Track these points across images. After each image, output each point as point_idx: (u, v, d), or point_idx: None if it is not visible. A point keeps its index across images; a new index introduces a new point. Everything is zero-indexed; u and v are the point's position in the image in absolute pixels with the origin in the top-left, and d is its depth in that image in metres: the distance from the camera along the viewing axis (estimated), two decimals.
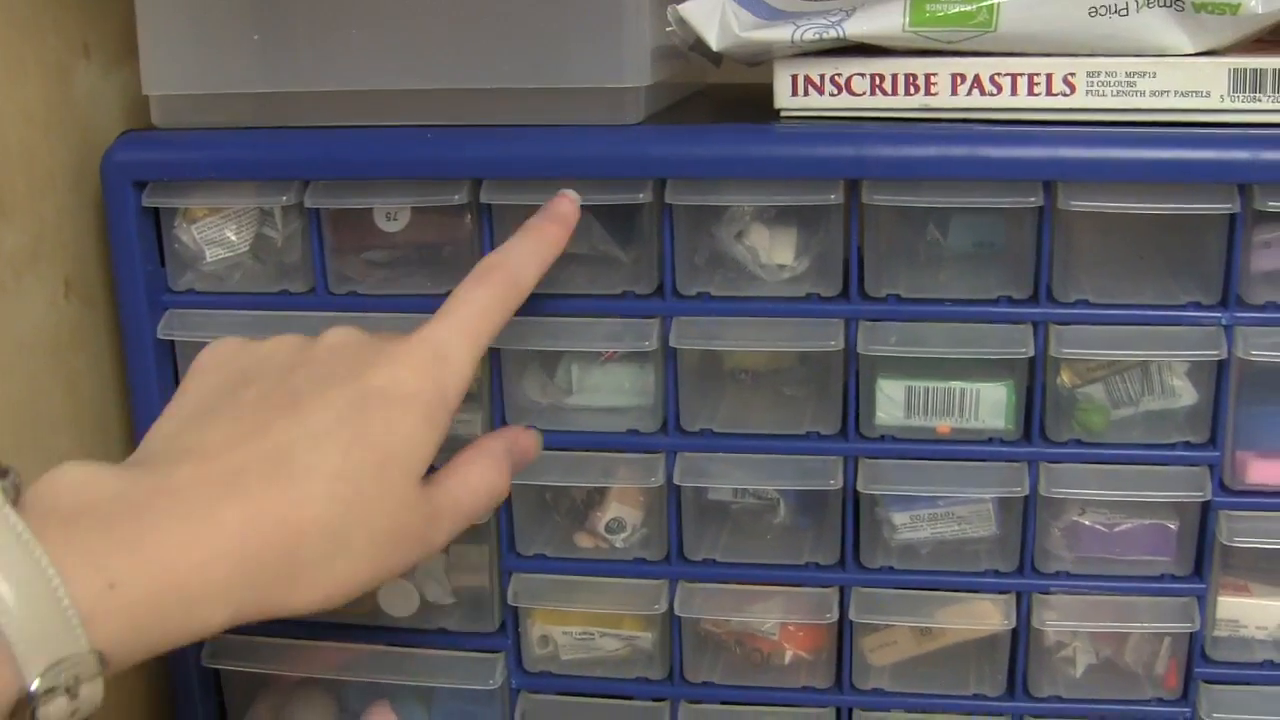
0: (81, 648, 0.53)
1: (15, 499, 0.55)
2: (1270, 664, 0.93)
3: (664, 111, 0.94)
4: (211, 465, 0.61)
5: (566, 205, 0.82)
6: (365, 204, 0.89)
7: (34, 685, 0.51)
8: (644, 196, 0.86)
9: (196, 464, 0.61)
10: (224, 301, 0.93)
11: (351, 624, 0.97)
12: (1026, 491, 0.89)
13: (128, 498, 0.58)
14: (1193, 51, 0.86)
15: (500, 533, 0.94)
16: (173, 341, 0.94)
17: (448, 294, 0.81)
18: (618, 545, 0.94)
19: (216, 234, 0.91)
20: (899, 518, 0.91)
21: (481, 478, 0.73)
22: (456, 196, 0.87)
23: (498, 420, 0.92)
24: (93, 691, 0.53)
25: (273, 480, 0.61)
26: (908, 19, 0.86)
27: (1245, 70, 0.85)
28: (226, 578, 0.58)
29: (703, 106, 1.01)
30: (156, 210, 0.92)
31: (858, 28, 0.86)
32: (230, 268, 0.92)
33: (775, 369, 0.95)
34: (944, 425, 0.90)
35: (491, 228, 0.88)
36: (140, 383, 0.94)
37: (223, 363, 0.71)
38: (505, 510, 0.93)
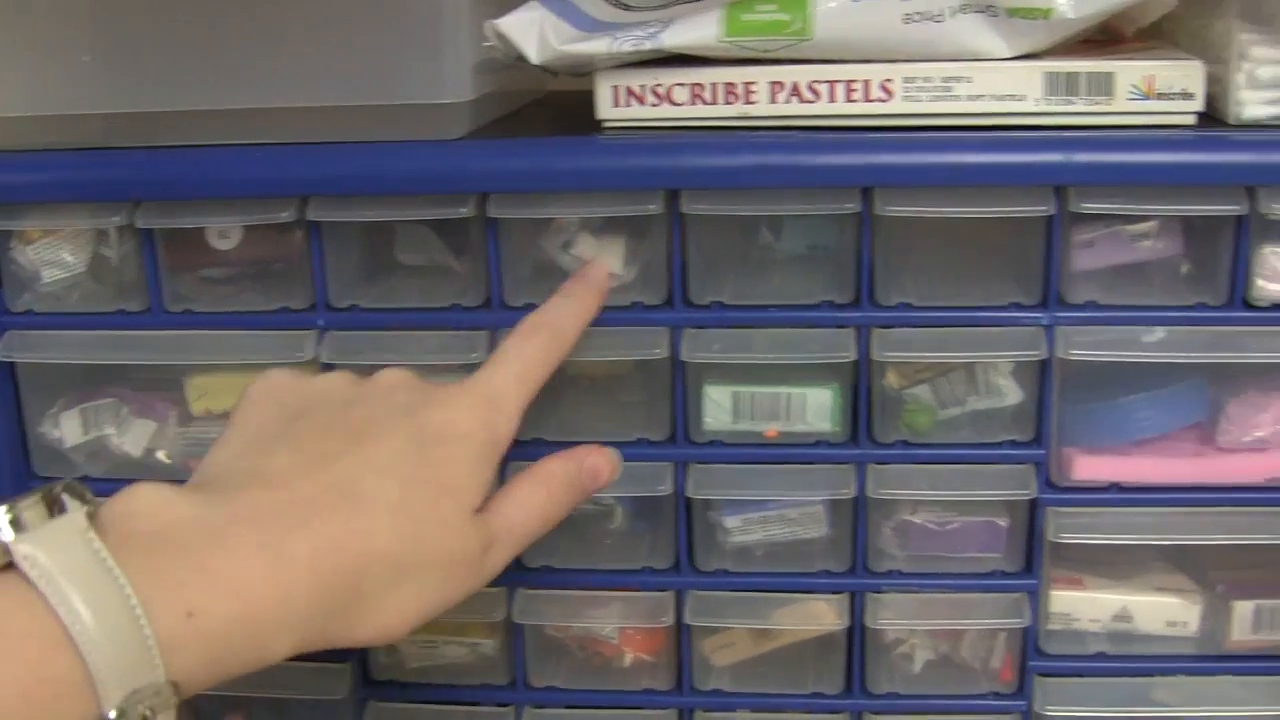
0: (159, 678, 0.54)
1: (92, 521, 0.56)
2: (1103, 656, 0.96)
3: (496, 122, 0.96)
4: (280, 493, 0.63)
5: (598, 272, 0.88)
6: (196, 223, 0.91)
7: (112, 715, 0.53)
8: (467, 211, 0.88)
9: (266, 491, 0.63)
10: (62, 322, 0.94)
11: None
12: (855, 493, 0.92)
13: (203, 523, 0.60)
14: (1009, 55, 0.88)
15: None
16: (12, 363, 0.94)
17: (282, 310, 0.85)
18: None
19: (53, 255, 0.93)
20: (731, 521, 0.94)
21: (530, 498, 0.76)
22: (284, 214, 0.89)
23: None
24: None
25: (340, 511, 0.64)
26: (723, 29, 0.88)
27: (1059, 73, 0.88)
28: (298, 608, 0.60)
29: (537, 117, 1.03)
30: None
31: (674, 39, 0.87)
32: (68, 288, 0.94)
33: (614, 375, 0.97)
34: (771, 429, 0.92)
35: (321, 244, 0.90)
36: None
37: (276, 395, 0.73)
38: None
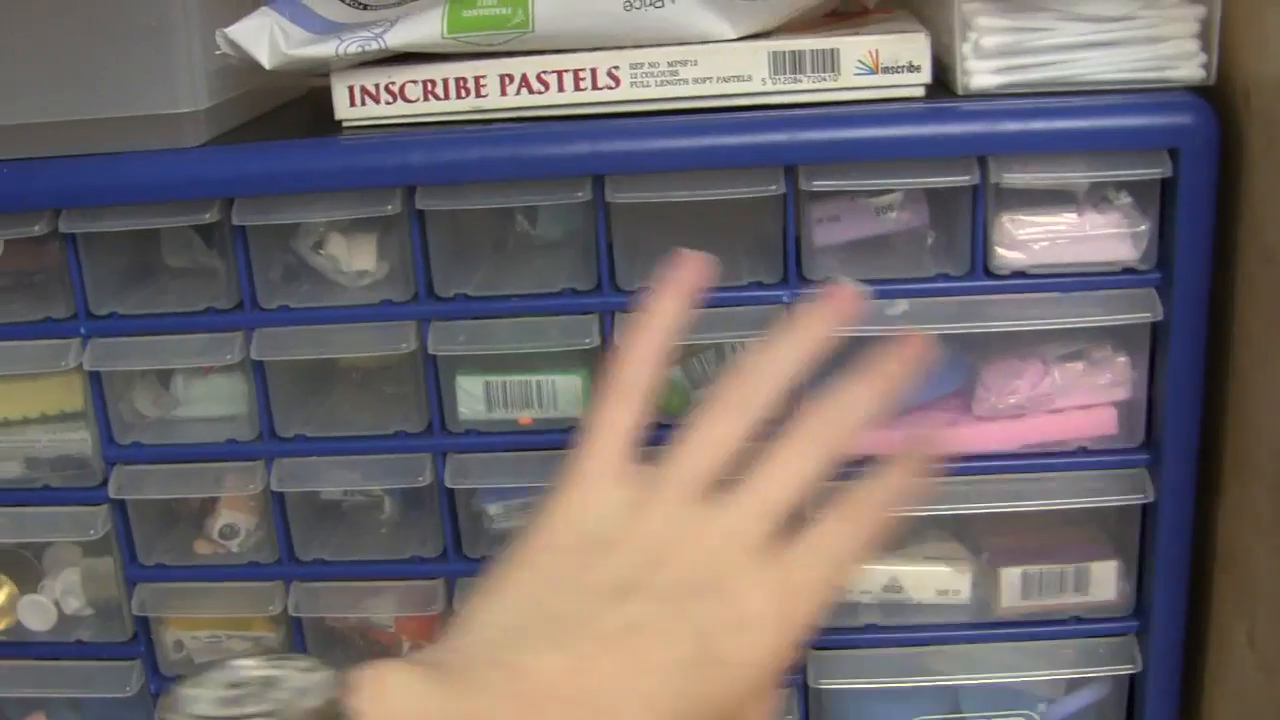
0: None
1: None
2: (874, 627, 1.00)
3: (247, 125, 1.01)
4: (532, 706, 0.58)
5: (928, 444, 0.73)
6: None
7: None
8: (210, 216, 0.93)
9: (517, 701, 0.58)
10: None
11: None
12: None
13: None
14: (735, 37, 0.92)
15: (121, 544, 1.02)
16: None
17: (46, 320, 0.93)
18: (234, 550, 1.02)
19: None
20: (493, 508, 0.99)
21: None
22: (36, 227, 0.95)
23: (105, 440, 0.99)
24: None
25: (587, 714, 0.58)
26: (445, 26, 0.92)
27: (784, 53, 0.92)
28: None
29: (292, 117, 1.08)
30: None
31: (398, 38, 0.92)
32: None
33: (381, 367, 1.02)
34: (525, 416, 0.97)
35: (78, 254, 0.96)
36: None
37: (581, 538, 0.65)
38: (123, 522, 1.01)
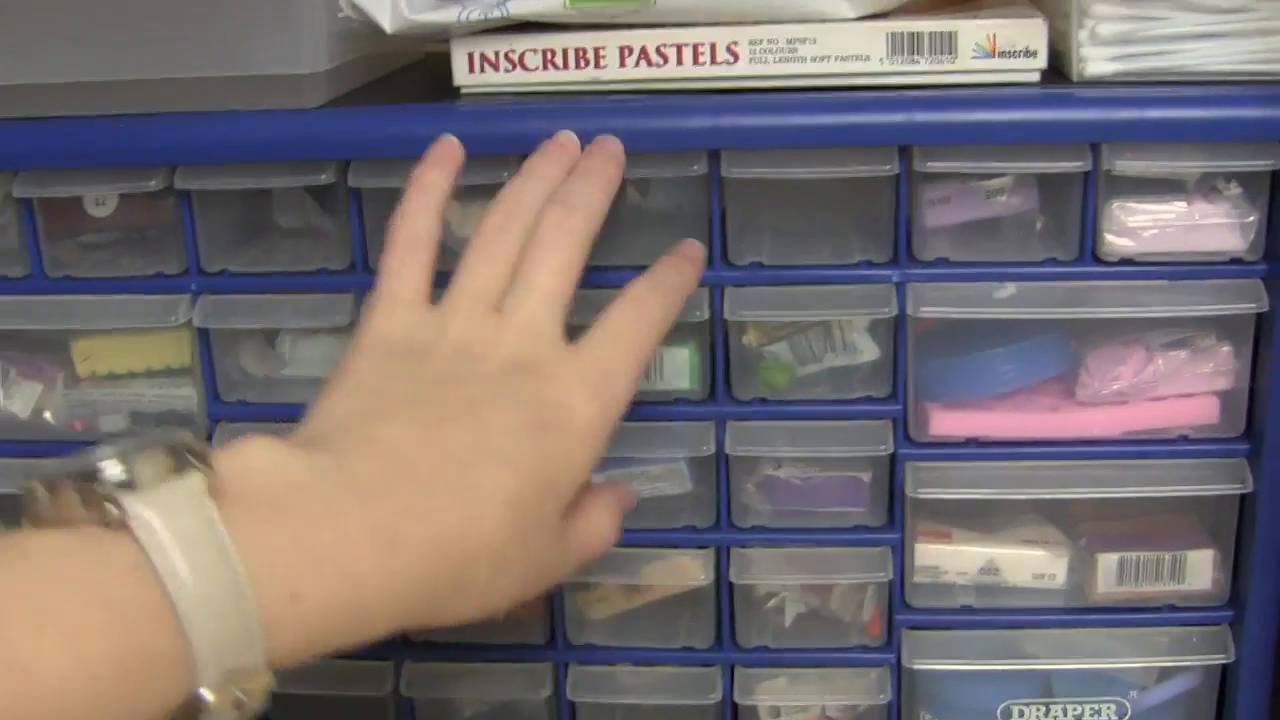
0: (257, 659, 0.55)
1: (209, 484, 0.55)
2: (968, 609, 1.02)
3: (364, 88, 1.03)
4: (398, 467, 0.64)
5: (693, 251, 0.92)
6: (71, 192, 0.99)
7: (208, 696, 0.53)
8: (326, 178, 0.95)
9: (381, 462, 0.64)
10: None
11: None
12: (714, 450, 0.98)
13: (316, 492, 0.60)
14: (853, 16, 0.94)
15: None
16: None
17: (157, 275, 0.97)
18: None
19: None
20: (595, 479, 1.01)
21: (599, 528, 0.80)
22: (153, 182, 0.97)
23: (210, 396, 1.02)
24: (257, 703, 0.55)
25: (456, 500, 0.65)
26: None
27: (902, 34, 0.94)
28: (401, 595, 0.61)
29: (408, 82, 1.10)
30: None
31: (521, 7, 0.94)
32: None
33: None
34: None
35: (191, 211, 0.98)
36: None
37: (400, 346, 0.75)
38: None
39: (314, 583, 0.57)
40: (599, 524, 0.78)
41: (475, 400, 0.69)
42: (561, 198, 0.81)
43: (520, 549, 0.67)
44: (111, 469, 0.54)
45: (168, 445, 0.55)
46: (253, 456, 0.60)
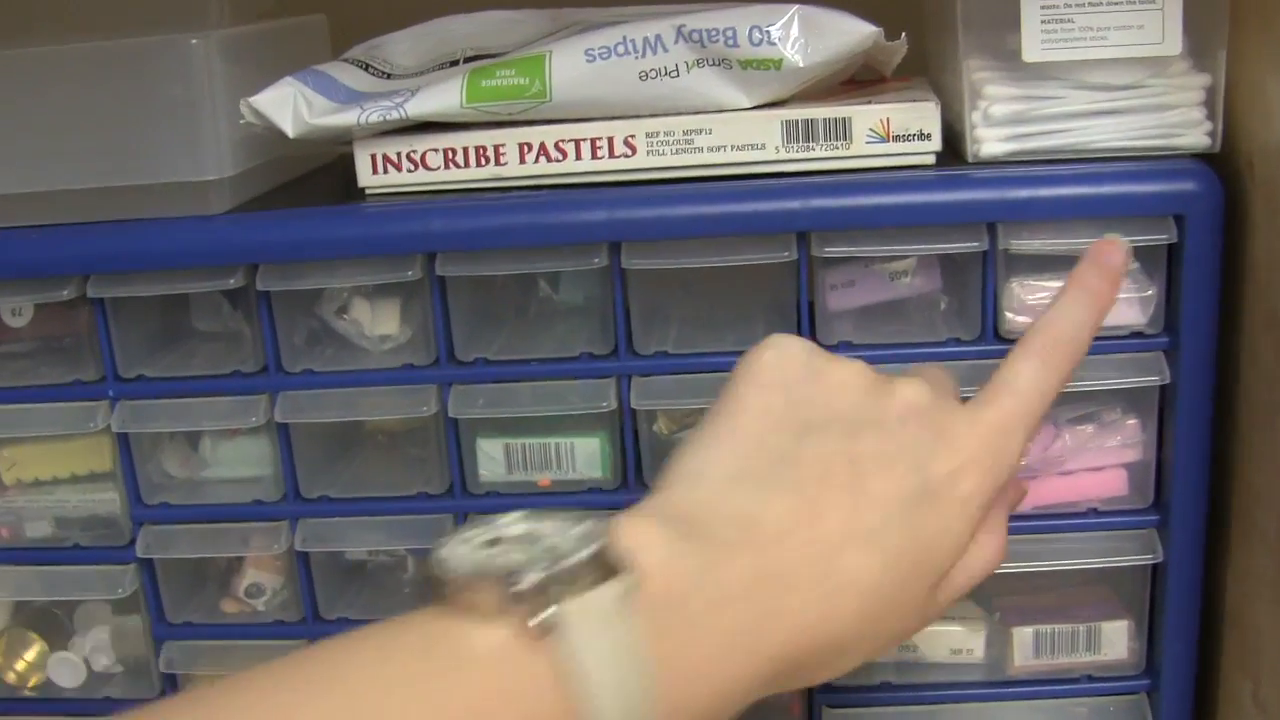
0: None
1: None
2: (888, 685, 1.02)
3: (275, 190, 1.05)
4: (770, 563, 0.62)
5: (1115, 256, 0.76)
6: None
7: None
8: (235, 282, 0.97)
9: (757, 557, 0.62)
10: None
11: (23, 697, 1.10)
12: None
13: (700, 600, 0.59)
14: (749, 105, 0.95)
15: (149, 603, 1.05)
16: None
17: (75, 382, 0.96)
18: (259, 609, 1.06)
19: None
20: None
21: (982, 560, 0.72)
22: (65, 292, 0.99)
23: (133, 500, 1.03)
24: None
25: (816, 593, 0.62)
26: (464, 96, 0.96)
27: (797, 121, 0.95)
28: (752, 690, 0.62)
29: (318, 184, 1.11)
30: None
31: (419, 108, 0.96)
32: None
33: (406, 430, 1.06)
34: (544, 478, 1.00)
35: (106, 318, 1.00)
36: None
37: (787, 383, 0.70)
38: (151, 581, 1.05)
39: (689, 694, 0.58)
40: (979, 557, 0.72)
41: (860, 457, 0.66)
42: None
43: (871, 632, 0.65)
44: (533, 575, 0.54)
45: (604, 551, 0.57)
46: (649, 556, 0.59)
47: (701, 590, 0.59)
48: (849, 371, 0.70)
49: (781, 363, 0.71)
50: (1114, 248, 0.76)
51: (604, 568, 0.56)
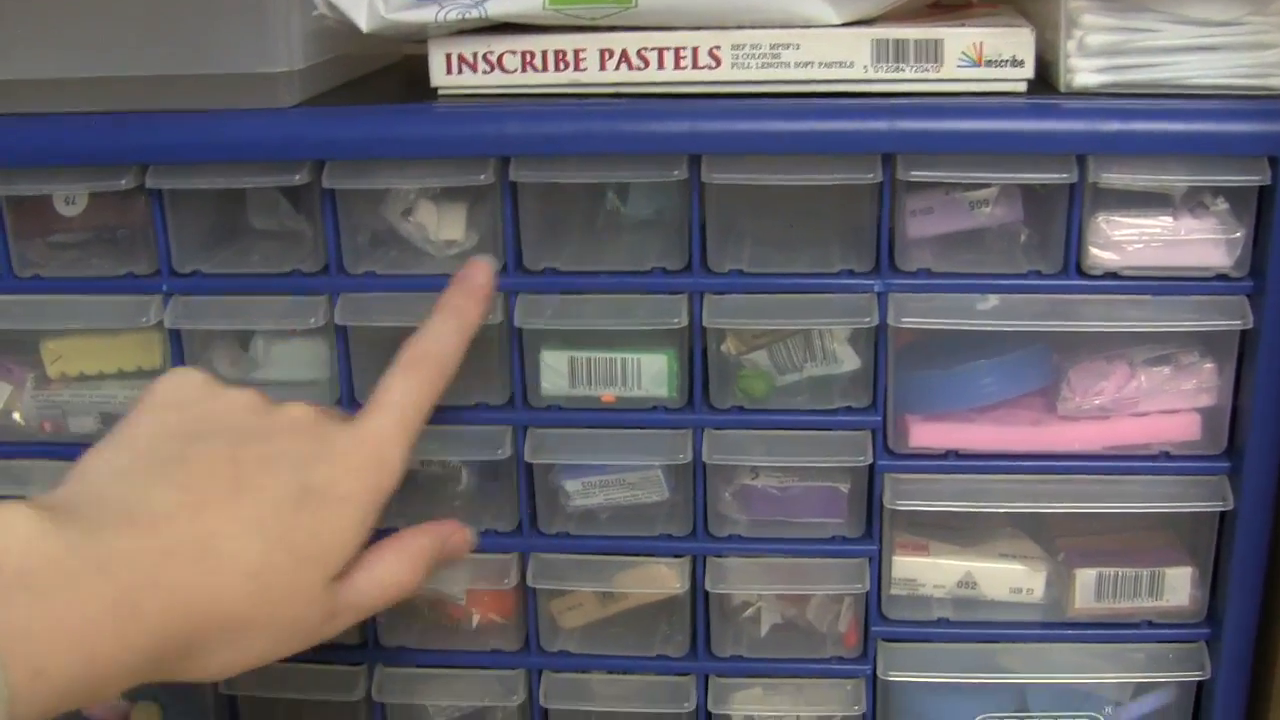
0: None
1: None
2: (945, 621, 1.01)
3: (339, 89, 1.02)
4: (144, 540, 0.67)
5: (480, 275, 0.88)
6: (41, 191, 0.97)
7: None
8: (300, 178, 0.94)
9: (132, 536, 0.67)
10: None
11: None
12: (690, 458, 0.97)
13: (66, 571, 0.63)
14: (838, 22, 0.93)
15: None
16: None
17: (128, 275, 0.95)
18: None
19: None
20: (571, 485, 1.00)
21: (393, 577, 0.80)
22: (123, 181, 0.96)
23: None
24: None
25: (195, 570, 0.68)
26: None
27: (888, 41, 0.93)
28: (136, 660, 0.65)
29: (384, 83, 1.09)
30: None
31: (499, 7, 0.93)
32: None
33: None
34: (608, 394, 0.98)
35: (163, 210, 0.97)
36: None
37: (181, 402, 0.77)
38: None
39: (56, 660, 0.61)
40: (385, 575, 0.80)
41: (244, 464, 0.73)
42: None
43: (263, 617, 0.71)
44: None
45: None
46: (10, 532, 0.63)
47: (62, 565, 0.63)
48: (241, 394, 0.79)
49: (178, 386, 0.79)
50: (480, 270, 0.88)
51: None
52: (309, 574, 0.73)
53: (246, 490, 0.72)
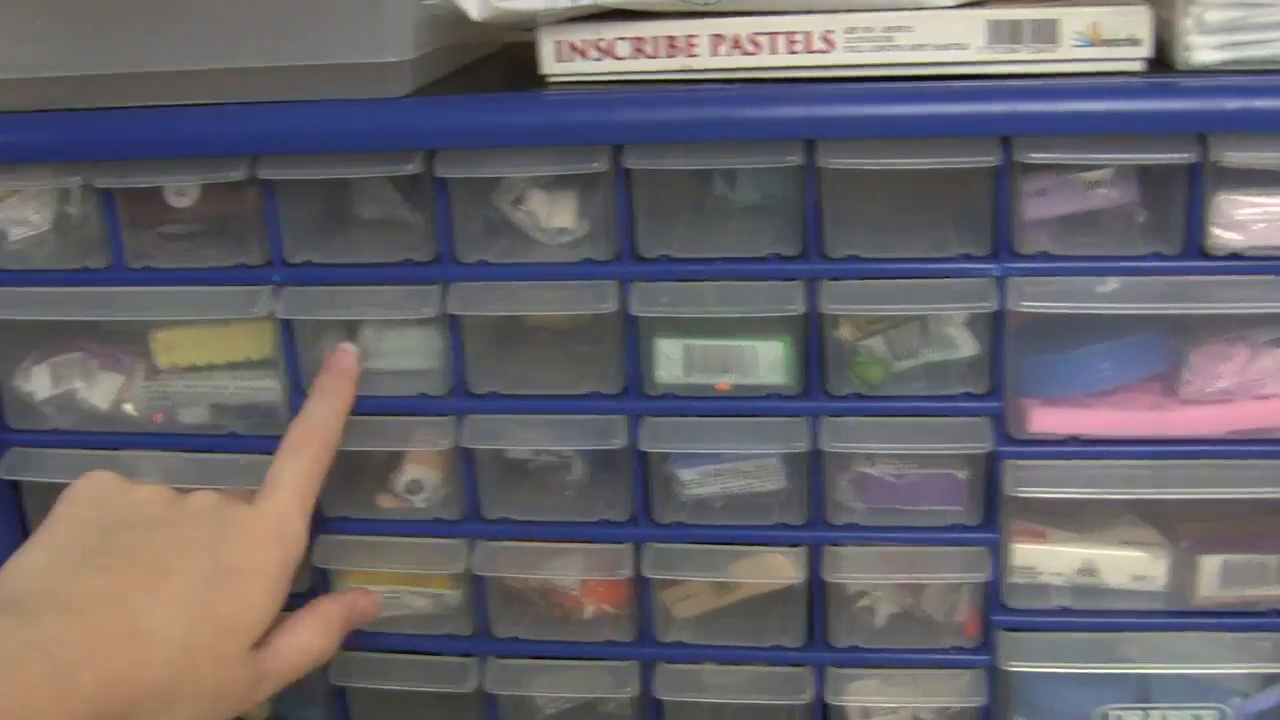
0: None
1: None
2: (1066, 610, 0.99)
3: (447, 78, 1.02)
4: (76, 622, 0.73)
5: (346, 360, 0.98)
6: (153, 182, 0.98)
7: None
8: (413, 168, 0.94)
9: (63, 618, 0.73)
10: (29, 279, 1.01)
11: None
12: (808, 446, 0.96)
13: (4, 652, 0.70)
14: (951, 4, 0.92)
15: None
16: None
17: (239, 266, 0.95)
18: (418, 505, 1.03)
19: (18, 214, 1.01)
20: (686, 474, 1.00)
21: (311, 642, 0.88)
22: (235, 173, 0.96)
23: (293, 386, 1.01)
24: None
25: (126, 646, 0.74)
26: None
27: (1003, 21, 0.91)
28: None
29: (490, 72, 1.08)
30: None
31: None
32: (35, 245, 1.01)
33: (572, 327, 1.02)
34: (723, 382, 0.98)
35: (274, 201, 0.97)
36: None
37: (97, 501, 0.84)
38: None
39: None
40: (304, 640, 0.87)
41: (161, 547, 0.81)
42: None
43: (190, 686, 0.77)
44: None
45: None
46: None
47: (8, 645, 0.70)
48: (151, 490, 0.86)
49: (94, 487, 0.86)
50: (345, 355, 1.00)
51: None
52: (231, 643, 0.80)
53: (165, 573, 0.78)
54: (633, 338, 0.96)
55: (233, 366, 1.02)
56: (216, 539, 0.82)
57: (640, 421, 0.98)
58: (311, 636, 0.88)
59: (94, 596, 0.75)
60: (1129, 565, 0.98)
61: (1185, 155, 0.89)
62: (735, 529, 0.99)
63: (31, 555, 0.80)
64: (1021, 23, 0.89)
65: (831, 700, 1.01)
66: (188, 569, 0.80)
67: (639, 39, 0.93)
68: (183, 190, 0.97)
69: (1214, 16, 0.89)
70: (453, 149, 0.94)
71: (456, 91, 0.96)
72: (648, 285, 0.95)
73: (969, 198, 0.92)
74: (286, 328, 0.98)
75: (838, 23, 0.91)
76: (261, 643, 0.82)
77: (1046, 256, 0.91)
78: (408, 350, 1.00)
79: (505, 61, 1.11)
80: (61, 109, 0.98)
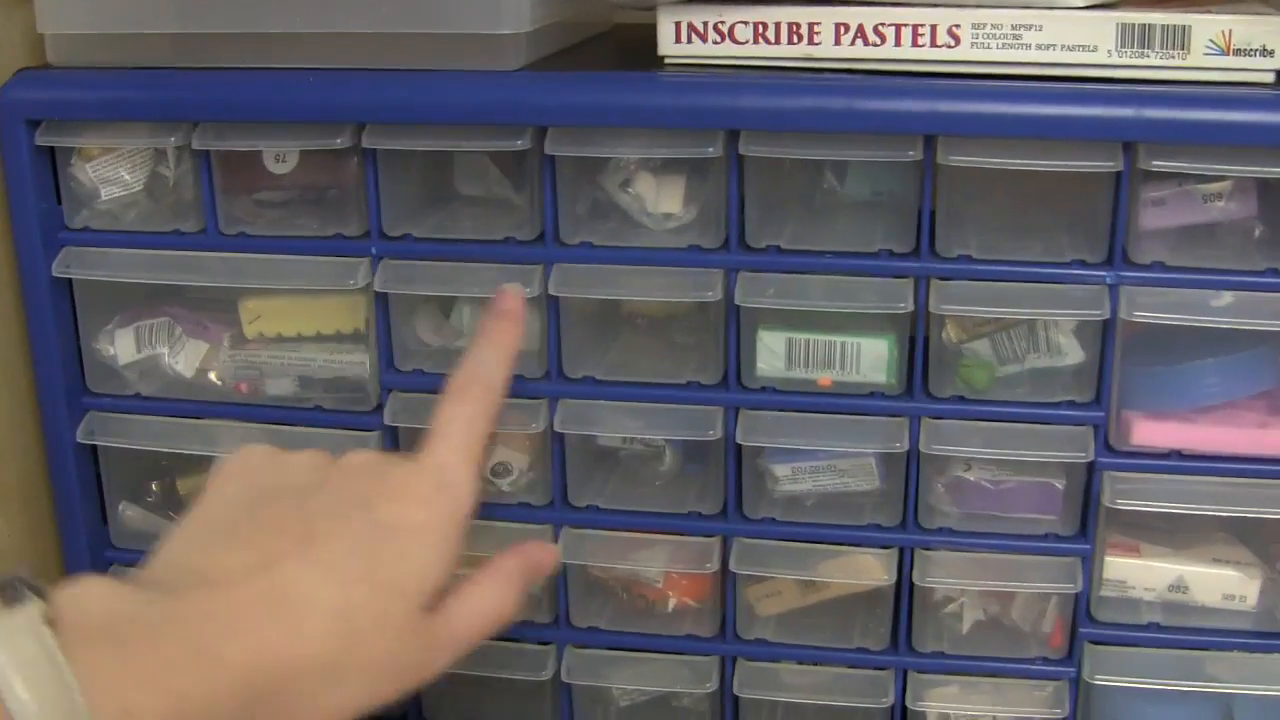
0: None
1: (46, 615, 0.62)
2: (1155, 626, 0.97)
3: (557, 54, 0.99)
4: (219, 595, 0.67)
5: (510, 301, 0.88)
6: (252, 146, 0.95)
7: None
8: (522, 144, 0.91)
9: (206, 592, 0.67)
10: (119, 240, 0.99)
11: None
12: (907, 447, 0.94)
13: (144, 622, 0.63)
14: (1082, 5, 0.89)
15: None
16: (69, 279, 1.00)
17: (336, 236, 0.92)
18: (504, 489, 1.00)
19: (111, 173, 0.98)
20: (780, 469, 0.97)
21: (489, 603, 0.78)
22: (339, 140, 0.93)
23: (385, 364, 0.98)
24: None
25: (274, 618, 0.67)
26: None
27: (1134, 25, 0.89)
28: (227, 709, 0.63)
29: (600, 51, 1.06)
30: (53, 149, 0.98)
31: None
32: (125, 206, 0.98)
33: (670, 315, 1.00)
34: (825, 378, 0.95)
35: (376, 171, 0.94)
36: (37, 320, 1.01)
37: (247, 474, 0.78)
38: (395, 450, 0.99)
39: (143, 700, 0.60)
40: (482, 601, 0.78)
41: (312, 516, 0.73)
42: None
43: (354, 658, 0.69)
44: None
45: (4, 583, 0.59)
46: (87, 593, 0.63)
47: (145, 616, 0.63)
48: (304, 456, 0.79)
49: (244, 460, 0.80)
50: (509, 297, 0.88)
51: (19, 596, 0.60)
52: (394, 606, 0.71)
53: (317, 539, 0.71)
54: (735, 328, 0.94)
55: (322, 339, 1.00)
56: (372, 497, 0.74)
57: (738, 414, 0.94)
58: (489, 596, 0.79)
59: (239, 569, 0.69)
60: (1221, 584, 0.96)
61: None
62: (826, 528, 0.97)
63: (178, 535, 0.74)
64: (1153, 27, 0.87)
65: (912, 705, 1.00)
66: (340, 532, 0.72)
67: (761, 23, 0.91)
68: (282, 156, 0.94)
69: None
70: (565, 126, 0.91)
71: (566, 69, 0.94)
72: (754, 275, 0.92)
73: (1086, 203, 0.90)
74: (381, 301, 0.96)
75: (965, 18, 0.89)
76: (435, 607, 0.74)
77: (1161, 267, 0.89)
78: None
79: (616, 42, 1.09)
80: (161, 67, 0.96)
